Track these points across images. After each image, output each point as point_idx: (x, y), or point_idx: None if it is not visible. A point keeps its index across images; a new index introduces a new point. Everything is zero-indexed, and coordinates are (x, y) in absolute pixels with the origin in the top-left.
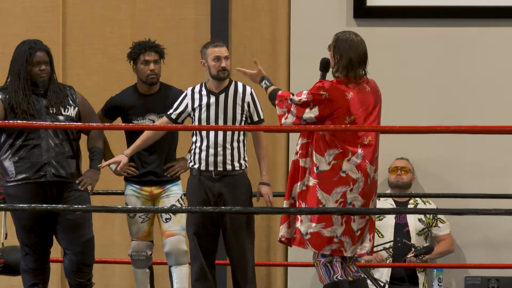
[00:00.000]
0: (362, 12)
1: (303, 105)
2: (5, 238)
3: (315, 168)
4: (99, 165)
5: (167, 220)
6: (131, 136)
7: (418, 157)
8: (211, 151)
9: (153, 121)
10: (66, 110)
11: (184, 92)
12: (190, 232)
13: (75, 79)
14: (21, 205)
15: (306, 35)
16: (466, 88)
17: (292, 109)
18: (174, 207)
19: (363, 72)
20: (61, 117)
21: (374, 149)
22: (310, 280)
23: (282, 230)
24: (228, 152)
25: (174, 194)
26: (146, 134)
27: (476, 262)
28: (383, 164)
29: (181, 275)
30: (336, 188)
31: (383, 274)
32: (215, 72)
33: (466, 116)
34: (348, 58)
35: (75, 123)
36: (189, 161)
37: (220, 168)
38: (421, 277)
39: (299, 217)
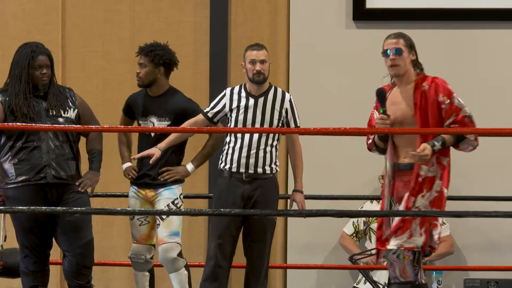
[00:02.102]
0: (361, 14)
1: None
2: (4, 240)
3: (447, 173)
4: (133, 156)
5: (158, 226)
6: (141, 137)
7: None
8: (244, 153)
9: (153, 124)
10: (66, 112)
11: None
12: (213, 233)
13: (74, 81)
14: (20, 207)
15: (306, 37)
16: (467, 90)
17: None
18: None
19: None
20: (60, 119)
21: None
22: (309, 282)
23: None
24: (261, 155)
25: (164, 199)
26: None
27: (475, 264)
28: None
29: (181, 278)
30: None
31: (381, 277)
32: (251, 75)
33: None
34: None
35: (75, 125)
36: (220, 162)
37: (251, 171)
38: None
39: (437, 224)
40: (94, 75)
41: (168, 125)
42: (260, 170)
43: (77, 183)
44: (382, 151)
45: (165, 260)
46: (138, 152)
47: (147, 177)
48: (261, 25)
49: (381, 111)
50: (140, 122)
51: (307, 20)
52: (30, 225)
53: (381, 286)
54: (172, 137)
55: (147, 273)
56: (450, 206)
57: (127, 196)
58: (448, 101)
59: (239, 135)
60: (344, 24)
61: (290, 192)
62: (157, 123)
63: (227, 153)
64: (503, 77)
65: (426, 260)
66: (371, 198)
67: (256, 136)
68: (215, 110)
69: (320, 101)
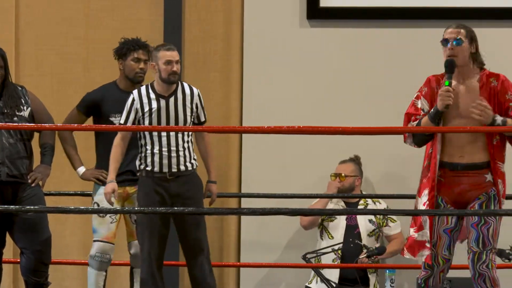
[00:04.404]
0: (315, 13)
1: None
2: None
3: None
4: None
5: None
6: (100, 134)
7: (370, 156)
8: (165, 153)
9: None
10: (20, 111)
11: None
12: (143, 234)
13: (28, 80)
14: None
15: (260, 36)
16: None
17: None
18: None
19: None
20: (15, 118)
21: None
22: (263, 281)
23: None
24: (181, 153)
25: None
26: (116, 152)
27: None
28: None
29: None
30: None
31: (332, 276)
32: (166, 75)
33: None
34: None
35: (30, 124)
36: (139, 164)
37: (174, 169)
38: (372, 278)
39: None
40: (49, 74)
41: None
42: (182, 167)
43: (28, 177)
44: (424, 141)
45: None
46: (101, 152)
47: (128, 173)
48: (215, 24)
49: (447, 83)
50: (112, 118)
51: (261, 19)
52: None
53: (334, 285)
54: (115, 164)
55: (104, 272)
56: (402, 203)
57: (80, 194)
58: None
59: (156, 139)
60: (298, 23)
61: (242, 189)
62: None
63: (146, 156)
64: None
65: (379, 258)
66: (324, 197)
67: (173, 135)
68: (131, 118)
69: (274, 99)
